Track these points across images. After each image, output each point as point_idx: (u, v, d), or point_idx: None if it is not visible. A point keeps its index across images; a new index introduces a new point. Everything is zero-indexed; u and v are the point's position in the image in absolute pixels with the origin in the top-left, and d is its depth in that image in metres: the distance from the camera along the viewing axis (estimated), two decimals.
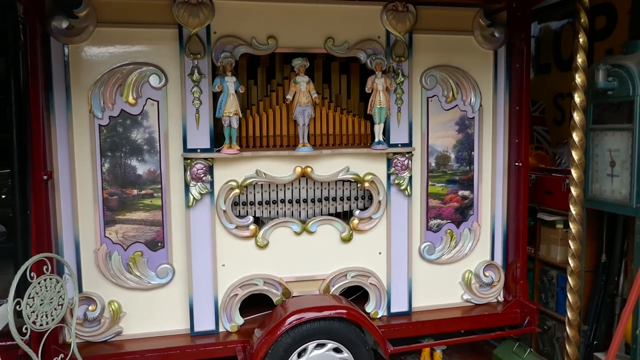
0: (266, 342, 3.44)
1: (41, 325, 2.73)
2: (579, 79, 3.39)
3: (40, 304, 2.72)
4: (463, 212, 4.21)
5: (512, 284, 4.31)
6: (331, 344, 3.55)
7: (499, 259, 4.32)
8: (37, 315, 2.70)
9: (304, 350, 3.52)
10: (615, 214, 3.94)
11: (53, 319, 2.81)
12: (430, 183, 4.12)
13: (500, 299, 4.36)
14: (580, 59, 3.37)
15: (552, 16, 4.74)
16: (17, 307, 2.56)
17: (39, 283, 2.73)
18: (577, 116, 3.41)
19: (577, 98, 3.40)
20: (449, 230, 4.19)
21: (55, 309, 2.82)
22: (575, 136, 3.42)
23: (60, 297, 2.89)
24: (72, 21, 3.39)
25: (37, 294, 2.70)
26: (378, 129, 3.83)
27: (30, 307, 2.64)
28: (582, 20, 3.35)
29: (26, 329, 2.63)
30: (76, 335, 3.48)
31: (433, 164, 4.11)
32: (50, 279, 2.82)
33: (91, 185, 3.56)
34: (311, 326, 3.50)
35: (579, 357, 3.68)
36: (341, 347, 3.57)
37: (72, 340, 3.09)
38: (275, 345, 3.44)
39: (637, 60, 3.35)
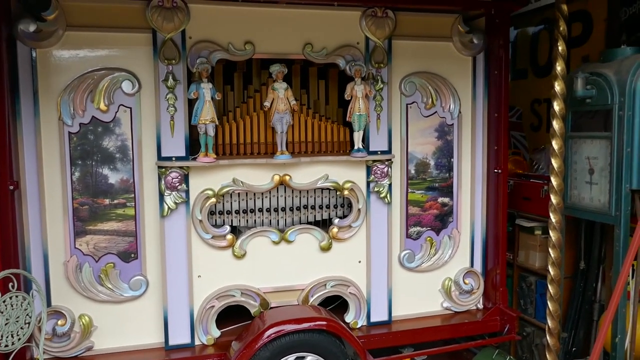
0: (244, 355, 3.35)
1: (6, 345, 2.60)
2: (558, 87, 3.38)
3: (6, 324, 2.58)
4: (443, 219, 4.18)
5: (492, 291, 4.29)
6: (311, 357, 3.48)
7: (478, 266, 4.30)
8: (1, 336, 2.57)
9: None
10: (593, 221, 3.97)
11: (19, 339, 2.68)
12: (410, 190, 4.08)
13: (480, 306, 4.34)
14: (559, 67, 3.37)
15: (528, 22, 4.75)
16: None
17: (4, 301, 2.59)
18: (556, 124, 3.40)
19: (557, 106, 3.39)
20: (428, 238, 4.15)
21: (22, 327, 2.69)
22: (555, 144, 3.42)
23: (27, 315, 2.75)
24: (40, 24, 3.24)
25: (1, 312, 2.57)
26: (357, 137, 3.77)
27: None
28: (561, 28, 3.35)
29: None
30: (45, 351, 3.35)
31: (413, 171, 4.07)
32: (17, 296, 2.68)
33: (60, 194, 3.42)
34: (290, 339, 3.42)
35: None
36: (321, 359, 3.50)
37: (40, 357, 2.95)
38: (253, 358, 3.34)
39: (615, 68, 3.36)
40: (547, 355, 3.61)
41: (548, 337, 3.60)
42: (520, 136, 4.98)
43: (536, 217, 4.37)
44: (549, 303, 3.57)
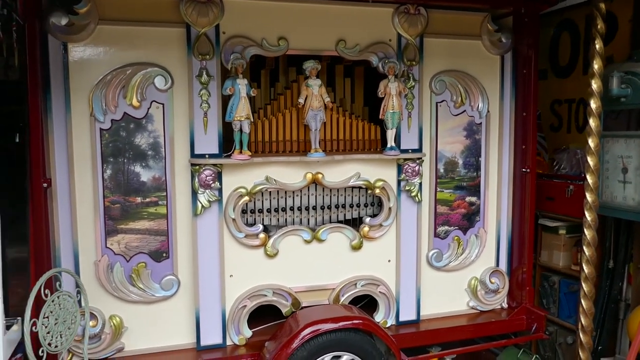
0: (281, 355, 3.30)
1: (56, 346, 2.51)
2: (595, 85, 3.39)
3: (55, 323, 2.50)
4: (470, 219, 4.17)
5: (516, 291, 4.29)
6: (347, 356, 3.44)
7: (503, 265, 4.30)
8: (52, 336, 2.48)
9: None
10: (620, 219, 3.98)
11: (67, 339, 2.60)
12: (438, 189, 4.06)
13: (505, 305, 4.33)
14: (596, 65, 3.37)
15: (548, 23, 4.76)
16: (34, 328, 2.34)
17: (52, 301, 2.51)
18: (592, 122, 3.41)
19: (593, 104, 3.40)
20: (456, 237, 4.14)
21: (69, 327, 2.60)
22: (591, 142, 3.43)
23: (73, 315, 2.67)
24: (72, 18, 3.16)
25: (51, 312, 2.48)
26: (390, 134, 3.74)
27: (46, 327, 2.43)
28: (598, 26, 3.35)
29: (42, 351, 2.40)
30: (75, 353, 3.27)
31: (442, 170, 4.05)
32: (64, 296, 2.60)
33: (91, 193, 3.33)
34: (327, 338, 3.38)
35: None
36: (357, 359, 3.46)
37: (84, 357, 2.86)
38: (291, 358, 3.30)
39: None
40: (580, 353, 3.62)
41: (581, 335, 3.60)
42: (540, 137, 4.98)
43: (560, 217, 4.38)
44: (582, 301, 3.58)
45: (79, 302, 3.28)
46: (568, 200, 4.22)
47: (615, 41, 4.26)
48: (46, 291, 2.45)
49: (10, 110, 3.09)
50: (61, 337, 2.55)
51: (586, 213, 3.50)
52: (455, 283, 4.20)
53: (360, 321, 3.50)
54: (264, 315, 3.78)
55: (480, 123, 4.11)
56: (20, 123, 3.04)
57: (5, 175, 3.04)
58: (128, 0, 3.30)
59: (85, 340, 2.87)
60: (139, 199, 3.43)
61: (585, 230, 3.52)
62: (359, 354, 3.46)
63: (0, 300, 2.06)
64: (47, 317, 2.45)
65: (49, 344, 2.46)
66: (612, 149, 3.66)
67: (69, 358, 3.28)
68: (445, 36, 3.94)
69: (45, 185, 3.13)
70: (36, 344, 2.54)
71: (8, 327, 2.41)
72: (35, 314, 2.55)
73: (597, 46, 3.36)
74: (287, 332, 3.45)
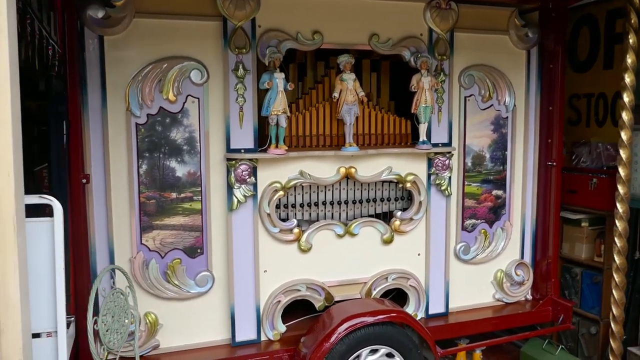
0: (320, 349, 3.30)
1: (114, 344, 2.48)
2: (628, 79, 3.43)
3: (112, 321, 2.47)
4: (496, 212, 4.20)
5: (540, 283, 4.35)
6: (384, 349, 3.46)
7: (527, 258, 4.35)
8: (110, 334, 2.45)
9: (358, 357, 3.40)
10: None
11: (122, 337, 2.57)
12: (466, 183, 4.08)
13: (529, 297, 4.38)
14: (630, 59, 3.41)
15: (568, 18, 4.79)
16: (95, 326, 2.31)
17: (110, 298, 2.48)
18: (625, 115, 3.46)
19: (626, 98, 3.45)
20: (483, 230, 4.17)
21: (122, 325, 2.57)
22: (624, 135, 3.47)
23: (124, 312, 2.64)
24: (108, 10, 3.11)
25: (109, 310, 2.45)
26: (423, 128, 3.76)
27: (105, 324, 2.40)
28: (632, 20, 3.40)
29: (104, 349, 2.37)
30: (110, 350, 3.23)
31: (469, 164, 4.08)
32: (117, 292, 2.56)
33: (127, 188, 3.30)
34: (365, 332, 3.39)
35: (622, 352, 3.73)
36: (394, 352, 3.47)
37: (135, 355, 2.83)
38: (331, 353, 3.30)
39: None
40: (612, 342, 3.68)
41: (613, 325, 3.66)
42: None
43: (582, 210, 4.43)
44: (614, 291, 3.63)
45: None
46: (591, 193, 4.27)
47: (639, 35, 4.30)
48: (103, 288, 2.42)
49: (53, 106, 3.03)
50: (117, 334, 2.52)
51: (618, 205, 3.54)
52: (481, 276, 4.23)
53: (396, 314, 3.52)
54: (295, 310, 3.78)
55: (507, 117, 4.14)
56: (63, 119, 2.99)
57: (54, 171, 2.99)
58: None
59: (135, 339, 2.83)
60: (174, 195, 3.40)
61: (616, 221, 3.57)
62: (395, 347, 3.47)
63: (63, 298, 2.02)
64: (106, 315, 2.42)
65: (109, 341, 2.43)
66: None
67: (105, 356, 3.26)
68: (474, 31, 3.96)
69: (84, 181, 3.09)
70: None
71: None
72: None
73: (631, 40, 3.40)
74: (324, 327, 3.45)
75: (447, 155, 3.91)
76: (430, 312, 4.03)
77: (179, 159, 3.38)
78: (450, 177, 3.95)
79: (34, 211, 1.97)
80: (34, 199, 1.93)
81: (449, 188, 3.95)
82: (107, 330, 2.42)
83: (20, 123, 1.67)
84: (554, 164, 4.14)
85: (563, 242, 4.63)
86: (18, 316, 1.66)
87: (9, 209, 1.59)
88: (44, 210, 2.08)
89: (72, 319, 2.39)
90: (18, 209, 1.63)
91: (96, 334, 2.41)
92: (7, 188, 1.58)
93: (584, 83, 4.82)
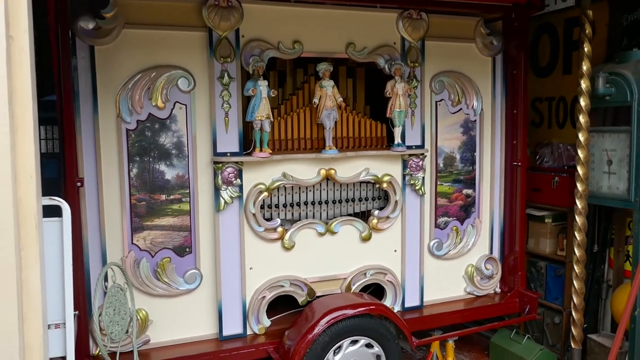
0: (304, 341, 3.50)
1: (116, 335, 2.64)
2: (584, 84, 3.73)
3: (113, 314, 2.63)
4: (466, 210, 4.47)
5: (508, 276, 4.63)
6: (364, 340, 3.67)
7: (496, 253, 4.62)
8: (113, 326, 2.62)
9: (339, 347, 3.61)
10: (600, 207, 4.36)
11: (122, 329, 2.73)
12: (438, 183, 4.34)
13: (497, 290, 4.66)
14: (585, 67, 3.71)
15: (529, 26, 5.11)
16: (100, 318, 2.47)
17: (111, 293, 2.64)
18: (582, 118, 3.76)
19: (583, 102, 3.74)
20: (454, 227, 4.43)
21: (122, 318, 2.74)
22: (581, 136, 3.77)
23: (124, 306, 2.80)
24: (98, 22, 3.27)
25: (110, 303, 2.62)
26: (397, 132, 4.00)
27: (108, 317, 2.56)
28: (587, 30, 3.69)
29: (106, 340, 2.53)
30: (113, 341, 3.37)
31: (441, 165, 4.34)
32: (116, 287, 2.73)
33: (118, 191, 3.45)
34: (346, 324, 3.60)
35: (582, 339, 4.03)
36: (372, 342, 3.70)
37: (134, 350, 2.98)
38: (314, 344, 3.50)
39: (633, 69, 3.74)
40: (573, 330, 3.97)
41: (573, 313, 3.95)
42: None
43: (546, 207, 4.73)
44: (574, 282, 3.93)
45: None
46: (553, 191, 4.57)
47: (593, 43, 4.62)
48: (105, 283, 2.58)
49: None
50: (118, 325, 2.69)
51: (577, 201, 3.84)
52: (453, 270, 4.49)
53: (375, 306, 3.75)
54: (278, 305, 3.98)
55: (475, 120, 4.41)
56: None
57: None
58: (152, 5, 3.42)
59: (133, 333, 2.99)
60: (163, 197, 3.56)
61: (576, 216, 3.86)
62: (374, 338, 3.70)
63: (71, 292, 2.19)
64: (108, 308, 2.58)
65: (111, 332, 2.59)
66: (598, 143, 4.01)
67: (97, 352, 3.40)
68: (443, 39, 4.22)
69: (78, 184, 3.23)
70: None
71: None
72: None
73: (586, 49, 3.70)
74: (307, 320, 3.65)
75: (421, 156, 4.16)
76: (406, 305, 4.27)
77: (168, 163, 3.55)
78: (423, 178, 4.20)
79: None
80: (47, 201, 2.09)
81: (422, 188, 4.20)
82: (110, 322, 2.59)
83: (38, 133, 1.83)
84: (519, 164, 4.43)
85: (529, 237, 4.93)
86: (39, 306, 1.82)
87: (31, 209, 1.76)
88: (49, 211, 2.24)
89: (77, 313, 2.54)
90: (38, 209, 1.80)
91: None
92: (29, 190, 1.75)
93: (545, 87, 5.15)
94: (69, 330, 2.18)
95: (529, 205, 4.86)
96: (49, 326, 2.20)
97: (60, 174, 3.36)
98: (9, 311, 1.74)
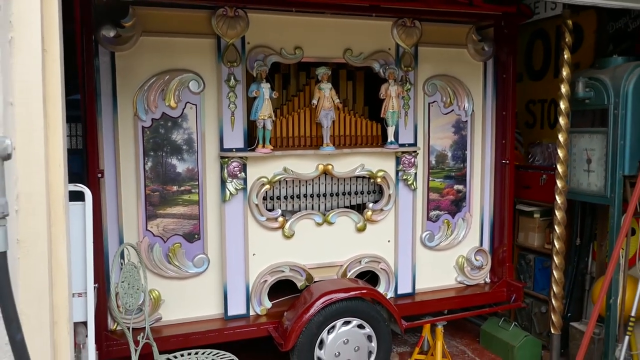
0: (301, 320, 3.85)
1: (130, 306, 3.03)
2: (564, 89, 4.01)
3: (128, 287, 3.01)
4: (457, 204, 4.78)
5: (497, 267, 4.92)
6: (356, 321, 4.01)
7: (486, 245, 4.92)
8: (127, 297, 3.00)
9: (333, 327, 3.95)
10: (585, 203, 4.63)
11: (136, 301, 3.11)
12: (430, 178, 4.66)
13: (487, 280, 4.96)
14: (565, 72, 3.99)
15: (524, 31, 5.39)
16: (116, 289, 2.85)
17: (127, 269, 3.02)
18: (562, 120, 4.03)
19: (562, 105, 4.02)
20: (446, 220, 4.74)
21: (136, 291, 3.12)
22: (561, 137, 4.05)
23: (138, 282, 3.18)
24: (119, 30, 3.65)
25: (125, 278, 3.00)
26: (390, 131, 4.32)
27: (123, 289, 2.94)
28: (567, 39, 3.97)
29: (121, 310, 2.91)
30: (127, 309, 3.73)
31: (433, 162, 4.65)
32: (131, 265, 3.11)
33: (135, 182, 3.84)
34: (339, 306, 3.95)
35: (562, 325, 4.31)
36: (364, 323, 4.03)
37: (146, 329, 3.36)
38: (309, 323, 3.85)
39: (610, 74, 4.00)
40: (552, 316, 4.25)
41: (553, 301, 4.23)
42: (516, 133, 5.62)
43: (535, 203, 5.02)
44: (554, 272, 4.21)
45: None
46: (542, 188, 4.86)
47: (582, 49, 4.91)
48: (121, 260, 2.97)
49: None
50: (132, 297, 3.07)
51: (557, 197, 4.12)
52: (445, 260, 4.80)
53: (367, 291, 4.08)
54: (281, 290, 4.33)
55: (466, 121, 4.71)
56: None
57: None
58: (167, 15, 3.80)
59: (145, 308, 3.37)
60: (175, 188, 3.94)
61: (556, 211, 4.15)
62: (365, 319, 4.03)
63: (91, 265, 2.57)
64: (123, 282, 2.97)
65: (126, 303, 2.97)
66: (579, 143, 4.28)
67: (114, 327, 3.80)
68: (436, 45, 4.53)
69: (99, 175, 3.63)
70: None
71: None
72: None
73: (566, 56, 3.98)
74: (304, 301, 4.00)
75: (413, 154, 4.48)
76: (399, 292, 4.60)
77: (179, 157, 3.92)
78: (415, 173, 4.52)
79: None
80: (72, 187, 2.47)
81: (414, 183, 4.52)
82: (124, 294, 2.97)
83: (65, 128, 2.21)
84: (508, 162, 4.72)
85: (519, 231, 5.22)
86: (65, 274, 2.20)
87: (60, 192, 2.13)
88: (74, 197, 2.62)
89: (96, 286, 2.92)
90: (65, 193, 2.18)
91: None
92: (59, 176, 2.13)
93: (538, 90, 5.42)
94: (90, 298, 2.55)
95: (519, 201, 5.16)
96: (73, 295, 2.58)
97: (83, 168, 3.76)
98: (42, 277, 2.12)
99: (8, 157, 1.56)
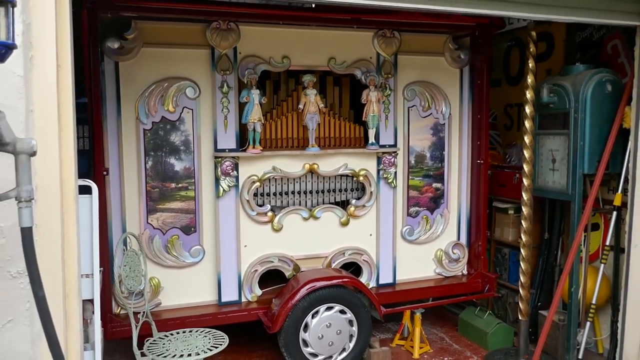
0: (287, 306, 4.23)
1: (131, 288, 3.42)
2: (528, 94, 4.37)
3: (129, 270, 3.41)
4: (436, 201, 5.15)
5: (474, 260, 5.29)
6: (338, 307, 4.38)
7: (463, 239, 5.29)
8: (129, 279, 3.39)
9: (317, 312, 4.32)
10: (554, 200, 4.99)
11: (137, 284, 3.50)
12: (410, 177, 5.03)
13: (465, 272, 5.32)
14: (529, 79, 4.36)
15: (502, 39, 5.76)
16: (119, 271, 3.24)
17: (128, 254, 3.42)
18: (527, 123, 4.40)
19: (528, 109, 4.39)
20: (424, 216, 5.11)
21: (136, 275, 3.51)
22: (527, 139, 4.42)
23: (138, 267, 3.57)
24: (122, 42, 4.05)
25: (127, 262, 3.39)
26: (371, 133, 4.70)
27: (125, 272, 3.34)
28: (531, 49, 4.34)
29: (123, 290, 3.31)
30: (122, 306, 4.14)
31: (413, 162, 5.02)
32: (132, 251, 3.50)
33: (136, 179, 4.22)
34: (322, 292, 4.32)
35: (528, 312, 4.67)
36: (345, 309, 4.40)
37: (147, 313, 3.75)
38: (294, 308, 4.23)
39: (572, 81, 4.37)
40: (520, 304, 4.61)
41: (521, 290, 4.59)
42: (495, 134, 5.99)
43: (509, 200, 5.38)
44: (521, 263, 4.57)
45: None
46: (515, 186, 5.21)
47: (553, 57, 5.28)
48: (123, 247, 3.36)
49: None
50: (132, 280, 3.46)
51: (523, 194, 4.48)
52: (424, 253, 5.17)
53: (348, 279, 4.46)
54: (271, 279, 4.71)
55: (444, 123, 5.08)
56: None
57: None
58: (166, 28, 4.19)
59: (145, 294, 3.76)
60: (173, 185, 4.33)
61: (523, 207, 4.51)
62: (347, 305, 4.41)
63: (97, 250, 2.96)
64: (125, 265, 3.36)
65: (127, 283, 3.37)
66: (545, 144, 4.65)
67: (118, 311, 4.19)
68: (415, 54, 4.90)
69: (105, 173, 4.02)
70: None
71: None
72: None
73: (530, 65, 4.34)
74: (291, 288, 4.38)
75: (393, 154, 4.85)
76: (381, 282, 4.97)
77: (177, 157, 4.31)
78: (395, 172, 4.90)
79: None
80: (81, 182, 2.86)
81: (394, 181, 4.89)
82: (126, 276, 3.36)
83: (75, 129, 2.60)
84: (482, 162, 5.09)
85: (495, 227, 5.59)
86: (75, 256, 2.59)
87: (71, 185, 2.52)
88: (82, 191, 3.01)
89: (102, 269, 3.30)
90: (75, 186, 2.57)
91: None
92: (70, 172, 2.52)
93: (515, 94, 5.78)
94: (96, 279, 2.94)
95: (495, 199, 5.52)
96: (81, 275, 2.97)
97: (89, 168, 4.15)
98: (56, 256, 2.50)
99: (34, 154, 1.94)
